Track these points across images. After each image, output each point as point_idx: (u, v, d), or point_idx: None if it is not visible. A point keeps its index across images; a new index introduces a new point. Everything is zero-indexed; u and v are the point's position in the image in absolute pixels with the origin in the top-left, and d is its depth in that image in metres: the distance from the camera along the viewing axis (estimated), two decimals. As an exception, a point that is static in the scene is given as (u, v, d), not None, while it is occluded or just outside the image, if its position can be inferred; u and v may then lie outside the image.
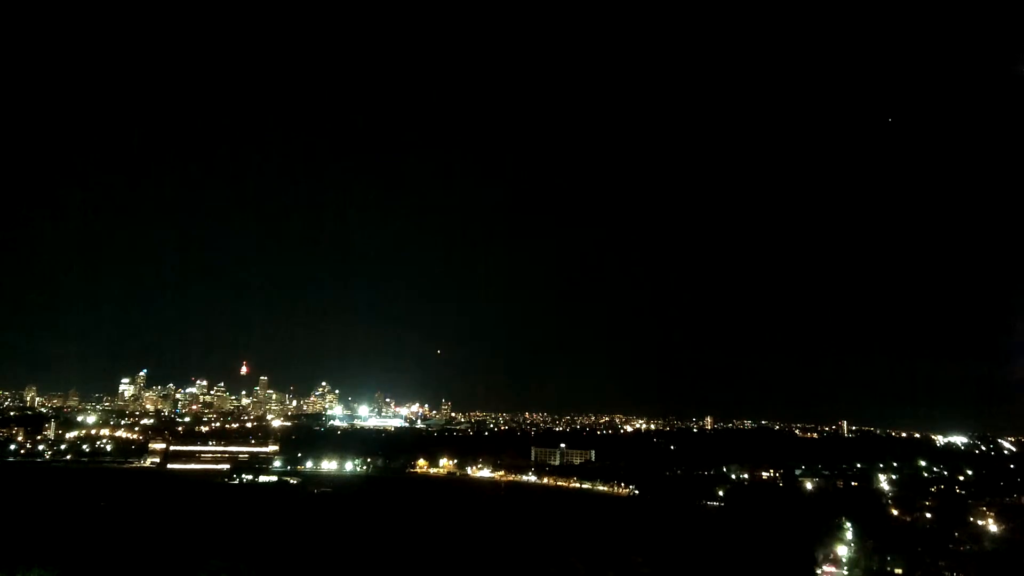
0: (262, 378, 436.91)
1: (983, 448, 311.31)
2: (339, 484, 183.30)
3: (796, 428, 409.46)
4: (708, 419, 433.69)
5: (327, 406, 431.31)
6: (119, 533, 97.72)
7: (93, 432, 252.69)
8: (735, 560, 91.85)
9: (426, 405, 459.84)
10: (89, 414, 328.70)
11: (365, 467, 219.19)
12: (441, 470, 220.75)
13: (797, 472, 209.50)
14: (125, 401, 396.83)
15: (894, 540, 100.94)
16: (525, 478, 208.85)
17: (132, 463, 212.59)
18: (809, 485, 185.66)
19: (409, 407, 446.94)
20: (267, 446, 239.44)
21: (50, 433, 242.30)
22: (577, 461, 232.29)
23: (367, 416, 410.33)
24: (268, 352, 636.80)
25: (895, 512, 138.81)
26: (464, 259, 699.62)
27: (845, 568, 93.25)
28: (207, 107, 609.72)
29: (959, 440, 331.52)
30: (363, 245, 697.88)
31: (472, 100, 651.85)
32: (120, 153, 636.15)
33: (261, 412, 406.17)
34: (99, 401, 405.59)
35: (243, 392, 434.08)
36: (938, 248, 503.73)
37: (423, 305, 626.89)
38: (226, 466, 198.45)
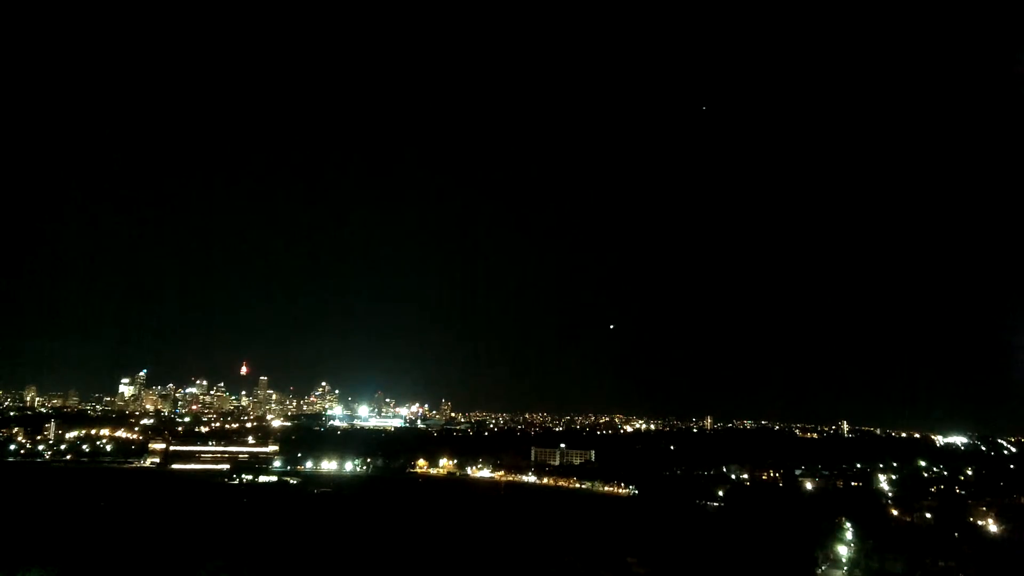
0: (262, 378, 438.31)
1: (983, 448, 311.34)
2: (339, 484, 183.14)
3: (796, 428, 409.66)
4: (708, 419, 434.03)
5: (327, 406, 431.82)
6: (119, 533, 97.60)
7: (93, 432, 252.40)
8: (734, 560, 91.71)
9: (426, 405, 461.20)
10: (89, 414, 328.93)
11: (365, 467, 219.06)
12: (441, 470, 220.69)
13: (797, 472, 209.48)
14: (125, 401, 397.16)
15: (894, 540, 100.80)
16: (525, 478, 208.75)
17: (132, 463, 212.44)
18: (809, 485, 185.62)
19: (409, 407, 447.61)
20: (267, 446, 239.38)
21: (50, 433, 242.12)
22: (577, 461, 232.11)
23: (367, 416, 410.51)
24: (268, 352, 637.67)
25: (895, 512, 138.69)
26: (465, 259, 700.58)
27: (845, 568, 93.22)
28: (209, 108, 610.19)
29: (959, 440, 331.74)
30: (363, 245, 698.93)
31: (472, 104, 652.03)
32: (121, 153, 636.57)
33: (261, 412, 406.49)
34: (99, 401, 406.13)
35: (243, 392, 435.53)
36: (938, 248, 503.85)
37: (423, 305, 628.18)
38: (226, 466, 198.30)
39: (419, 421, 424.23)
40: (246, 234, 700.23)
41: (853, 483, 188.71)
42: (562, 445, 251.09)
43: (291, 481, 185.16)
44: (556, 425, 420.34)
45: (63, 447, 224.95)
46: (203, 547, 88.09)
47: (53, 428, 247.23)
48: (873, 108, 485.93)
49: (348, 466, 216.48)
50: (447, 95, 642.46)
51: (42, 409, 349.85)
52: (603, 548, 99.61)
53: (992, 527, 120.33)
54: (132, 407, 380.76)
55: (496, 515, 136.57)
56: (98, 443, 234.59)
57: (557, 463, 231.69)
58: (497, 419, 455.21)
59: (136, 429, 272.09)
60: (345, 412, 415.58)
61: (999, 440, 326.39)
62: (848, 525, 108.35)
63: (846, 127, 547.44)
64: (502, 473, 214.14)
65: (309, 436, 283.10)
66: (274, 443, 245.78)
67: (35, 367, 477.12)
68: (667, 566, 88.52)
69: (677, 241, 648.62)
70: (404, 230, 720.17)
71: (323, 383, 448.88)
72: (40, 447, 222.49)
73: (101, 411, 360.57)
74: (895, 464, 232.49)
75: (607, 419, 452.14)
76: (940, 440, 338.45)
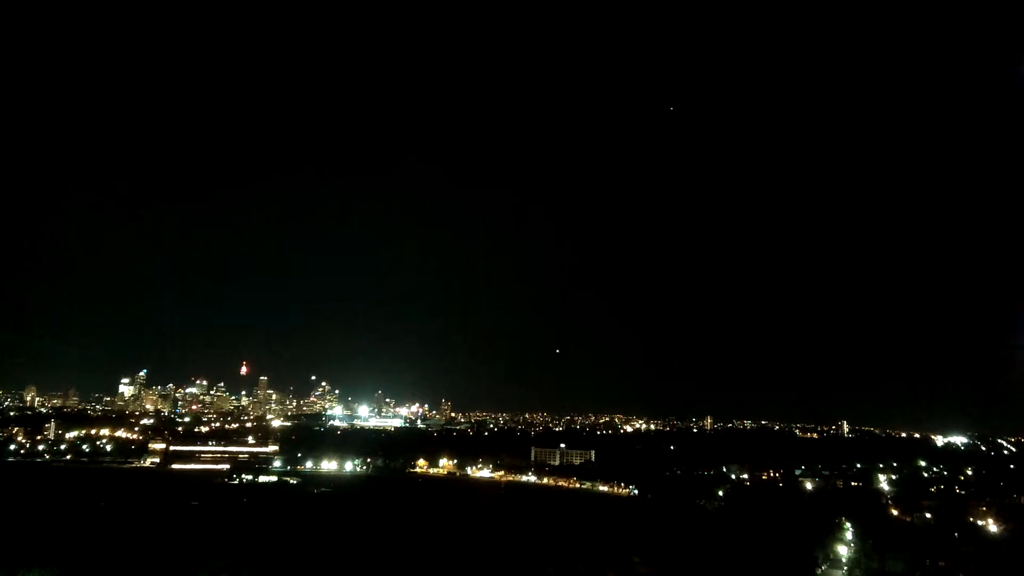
0: (262, 378, 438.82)
1: (983, 448, 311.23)
2: (339, 484, 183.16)
3: (796, 428, 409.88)
4: (708, 419, 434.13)
5: (327, 406, 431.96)
6: (119, 533, 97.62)
7: (93, 432, 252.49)
8: (734, 560, 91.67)
9: (426, 405, 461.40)
10: (89, 414, 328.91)
11: (365, 467, 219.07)
12: (441, 470, 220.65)
13: (797, 472, 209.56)
14: (125, 401, 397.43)
15: (894, 540, 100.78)
16: (525, 478, 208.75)
17: (132, 463, 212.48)
18: (809, 485, 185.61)
19: (409, 407, 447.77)
20: (267, 446, 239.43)
21: (50, 433, 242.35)
22: (577, 461, 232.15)
23: (367, 416, 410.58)
24: (268, 352, 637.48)
25: (895, 512, 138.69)
26: (464, 259, 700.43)
27: (845, 568, 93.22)
28: (209, 108, 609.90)
29: (959, 440, 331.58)
30: (363, 246, 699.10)
31: (468, 104, 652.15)
32: (121, 153, 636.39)
33: (261, 412, 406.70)
34: (99, 401, 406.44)
35: (243, 392, 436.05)
36: (937, 248, 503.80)
37: (423, 306, 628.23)
38: (226, 466, 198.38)
39: (419, 421, 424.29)
40: (246, 234, 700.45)
41: (853, 483, 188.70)
42: (562, 445, 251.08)
43: (291, 481, 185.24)
44: (556, 425, 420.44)
45: (63, 447, 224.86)
46: (203, 547, 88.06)
47: (53, 428, 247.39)
48: (875, 110, 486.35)
49: (348, 466, 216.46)
50: (447, 98, 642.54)
51: (42, 409, 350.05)
52: (606, 548, 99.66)
53: (992, 527, 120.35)
54: (132, 407, 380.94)
55: (497, 515, 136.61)
56: (98, 443, 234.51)
57: (557, 463, 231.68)
58: (497, 419, 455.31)
59: (136, 429, 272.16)
60: (345, 412, 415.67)
61: (999, 440, 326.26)
62: (848, 525, 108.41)
63: (849, 128, 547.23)
64: (502, 473, 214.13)
65: (309, 436, 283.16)
66: (274, 443, 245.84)
67: (35, 367, 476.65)
68: (670, 565, 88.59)
69: (678, 241, 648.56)
70: (404, 230, 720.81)
71: (323, 383, 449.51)
72: (40, 447, 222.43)
73: (101, 411, 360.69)
74: (895, 464, 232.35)
75: (607, 419, 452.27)
76: (940, 440, 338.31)
